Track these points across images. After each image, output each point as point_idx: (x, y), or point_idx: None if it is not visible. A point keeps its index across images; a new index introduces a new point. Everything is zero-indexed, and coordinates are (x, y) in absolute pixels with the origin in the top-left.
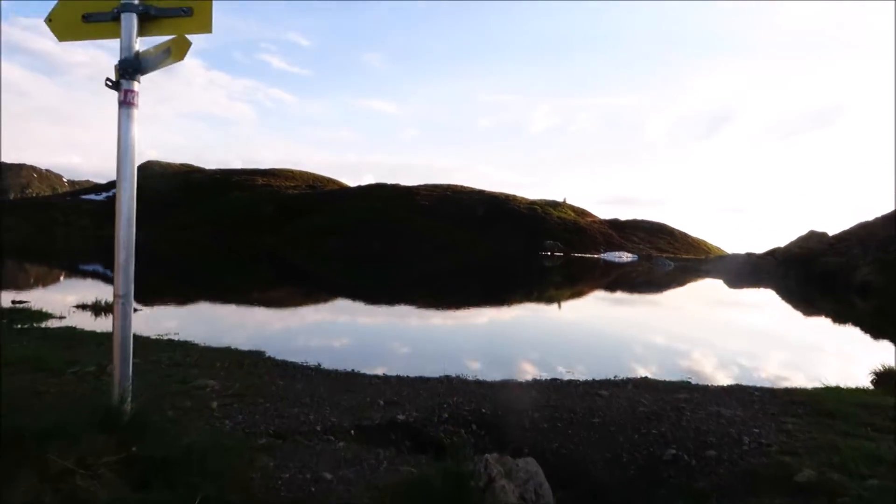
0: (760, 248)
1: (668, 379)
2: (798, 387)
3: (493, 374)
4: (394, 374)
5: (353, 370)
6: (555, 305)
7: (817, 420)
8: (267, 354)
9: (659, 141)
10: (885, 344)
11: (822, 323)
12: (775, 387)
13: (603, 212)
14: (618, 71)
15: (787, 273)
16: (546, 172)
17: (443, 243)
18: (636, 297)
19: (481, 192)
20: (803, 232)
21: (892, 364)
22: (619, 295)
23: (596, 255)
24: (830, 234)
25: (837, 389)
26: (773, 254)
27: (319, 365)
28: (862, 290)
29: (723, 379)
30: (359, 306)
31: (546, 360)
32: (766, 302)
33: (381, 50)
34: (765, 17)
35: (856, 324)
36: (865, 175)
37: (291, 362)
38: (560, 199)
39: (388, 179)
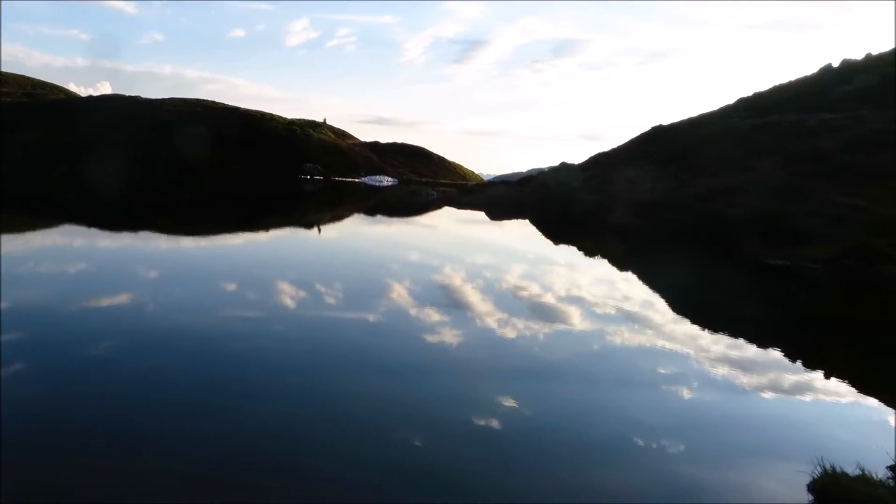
0: (512, 171)
1: None
2: None
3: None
4: None
5: None
6: (314, 231)
7: None
8: None
9: (416, 62)
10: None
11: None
12: None
13: (361, 133)
14: None
15: (546, 208)
16: (304, 89)
17: (192, 166)
18: (400, 220)
19: (235, 109)
20: (553, 159)
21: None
22: (381, 217)
23: (357, 179)
24: (577, 163)
25: None
26: (528, 184)
27: None
28: (621, 231)
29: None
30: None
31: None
32: (526, 234)
33: None
34: None
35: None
36: (604, 104)
37: None
38: (320, 120)
39: (128, 91)
